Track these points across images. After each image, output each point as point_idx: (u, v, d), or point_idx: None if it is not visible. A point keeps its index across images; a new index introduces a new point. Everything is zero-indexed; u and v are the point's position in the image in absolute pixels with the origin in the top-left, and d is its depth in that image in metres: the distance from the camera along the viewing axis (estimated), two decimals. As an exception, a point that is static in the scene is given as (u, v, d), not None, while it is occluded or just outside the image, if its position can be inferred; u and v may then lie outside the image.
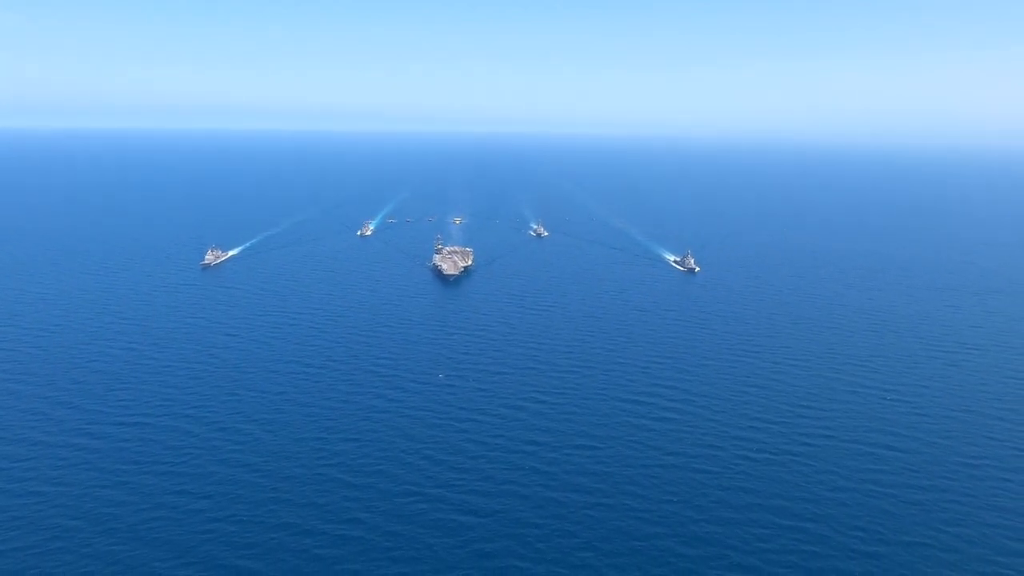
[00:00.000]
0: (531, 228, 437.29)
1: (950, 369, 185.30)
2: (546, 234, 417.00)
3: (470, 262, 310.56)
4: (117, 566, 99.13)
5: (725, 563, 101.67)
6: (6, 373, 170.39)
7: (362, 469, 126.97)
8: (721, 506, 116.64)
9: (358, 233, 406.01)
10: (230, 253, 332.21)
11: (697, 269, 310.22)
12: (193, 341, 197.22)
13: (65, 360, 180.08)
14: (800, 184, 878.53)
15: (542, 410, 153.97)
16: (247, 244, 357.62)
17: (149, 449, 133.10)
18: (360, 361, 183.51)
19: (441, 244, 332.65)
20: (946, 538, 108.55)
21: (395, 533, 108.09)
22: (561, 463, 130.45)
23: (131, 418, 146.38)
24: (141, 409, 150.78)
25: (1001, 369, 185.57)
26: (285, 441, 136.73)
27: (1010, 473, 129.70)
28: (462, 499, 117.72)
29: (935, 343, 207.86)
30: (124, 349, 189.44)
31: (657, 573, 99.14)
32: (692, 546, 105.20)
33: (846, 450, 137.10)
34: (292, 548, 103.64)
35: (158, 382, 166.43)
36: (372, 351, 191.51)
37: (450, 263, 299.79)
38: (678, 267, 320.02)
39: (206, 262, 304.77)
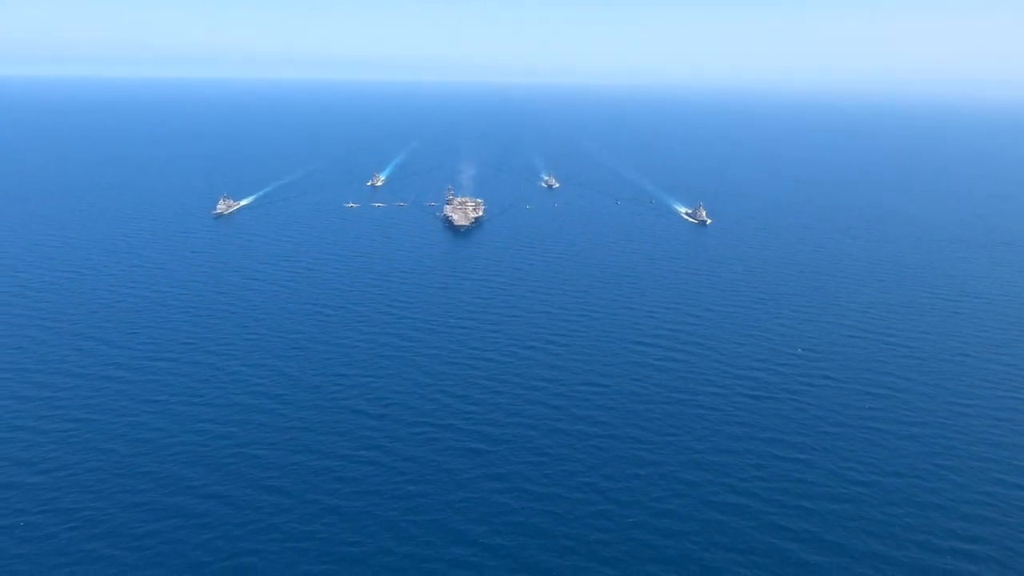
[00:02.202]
0: (542, 179, 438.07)
1: (952, 317, 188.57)
2: (557, 185, 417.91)
3: (481, 213, 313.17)
4: (152, 484, 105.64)
5: (722, 491, 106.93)
6: (39, 312, 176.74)
7: (379, 402, 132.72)
8: (721, 440, 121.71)
9: (368, 183, 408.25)
10: (242, 203, 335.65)
11: (709, 221, 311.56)
12: (212, 286, 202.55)
13: (92, 301, 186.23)
14: (815, 138, 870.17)
15: (552, 352, 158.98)
16: (258, 194, 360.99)
17: (178, 382, 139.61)
18: (375, 305, 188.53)
19: (452, 194, 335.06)
20: (934, 472, 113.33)
21: (411, 458, 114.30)
22: (569, 400, 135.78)
23: (159, 354, 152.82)
24: (167, 347, 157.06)
25: (1002, 318, 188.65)
26: (305, 377, 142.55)
27: (1001, 413, 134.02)
28: (474, 430, 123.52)
29: (938, 292, 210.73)
30: (146, 292, 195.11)
31: (657, 496, 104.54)
32: (692, 474, 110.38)
33: (843, 391, 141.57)
34: (315, 471, 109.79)
35: (182, 323, 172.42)
36: (386, 296, 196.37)
37: (461, 214, 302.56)
38: (690, 219, 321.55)
39: (218, 211, 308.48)
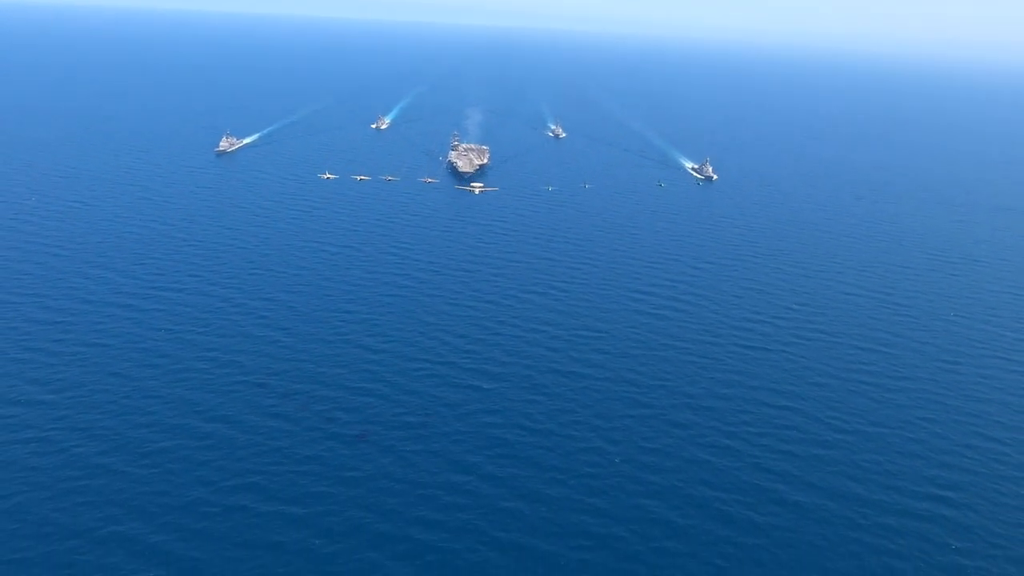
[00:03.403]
0: (549, 128, 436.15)
1: (948, 279, 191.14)
2: (564, 135, 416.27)
3: (486, 160, 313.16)
4: (160, 406, 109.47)
5: (710, 433, 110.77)
6: (48, 240, 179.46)
7: (381, 339, 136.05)
8: (712, 386, 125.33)
9: (373, 126, 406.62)
10: (245, 141, 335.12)
11: (715, 177, 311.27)
12: (215, 222, 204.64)
13: (98, 231, 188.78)
14: (828, 98, 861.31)
15: (552, 297, 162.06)
16: (262, 132, 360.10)
17: (184, 312, 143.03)
18: (378, 245, 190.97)
19: (458, 141, 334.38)
20: (917, 425, 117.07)
21: (412, 392, 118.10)
22: (567, 343, 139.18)
23: (166, 285, 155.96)
24: (174, 278, 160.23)
25: (999, 282, 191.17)
26: (307, 314, 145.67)
27: (987, 371, 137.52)
28: (474, 368, 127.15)
29: (937, 254, 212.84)
30: (150, 226, 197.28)
31: (647, 436, 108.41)
32: (680, 424, 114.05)
33: (834, 346, 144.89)
34: (317, 399, 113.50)
35: (188, 255, 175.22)
36: (389, 237, 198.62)
37: (465, 160, 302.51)
38: (695, 174, 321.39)
39: (221, 149, 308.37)
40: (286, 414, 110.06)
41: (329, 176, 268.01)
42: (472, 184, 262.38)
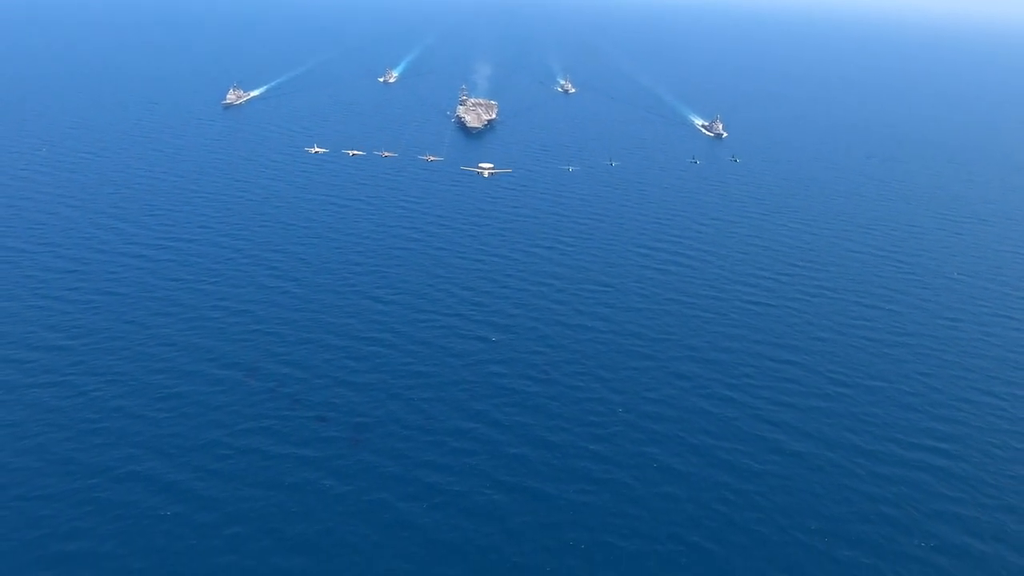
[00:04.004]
0: (558, 83, 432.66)
1: (953, 238, 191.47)
2: (573, 90, 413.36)
3: (494, 115, 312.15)
4: (174, 353, 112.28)
5: (713, 385, 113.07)
6: (59, 191, 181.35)
7: (390, 290, 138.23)
8: (716, 340, 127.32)
9: (381, 79, 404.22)
10: (252, 93, 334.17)
11: (724, 135, 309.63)
12: (224, 174, 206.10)
13: (109, 183, 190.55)
14: (846, 55, 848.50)
15: (559, 251, 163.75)
16: (269, 85, 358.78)
17: (196, 262, 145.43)
18: (388, 198, 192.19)
19: (466, 95, 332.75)
20: (916, 380, 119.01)
21: (420, 342, 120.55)
22: (574, 297, 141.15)
23: (177, 236, 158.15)
24: (185, 229, 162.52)
25: (1004, 241, 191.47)
26: (316, 266, 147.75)
27: (989, 328, 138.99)
28: (482, 320, 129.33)
29: (944, 213, 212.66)
30: (160, 178, 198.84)
31: (650, 387, 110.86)
32: (683, 375, 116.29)
33: (836, 302, 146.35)
34: (328, 348, 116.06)
35: (198, 207, 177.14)
36: (399, 192, 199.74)
37: (474, 115, 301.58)
38: (705, 132, 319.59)
39: (228, 101, 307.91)
40: (297, 362, 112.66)
41: (318, 150, 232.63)
42: (481, 165, 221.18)
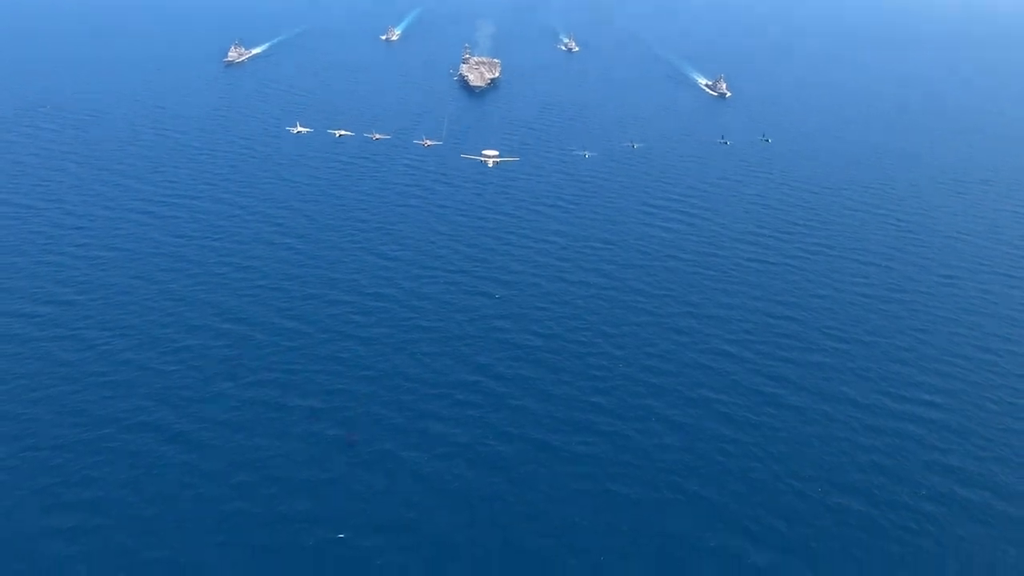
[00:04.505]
0: (561, 42, 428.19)
1: (952, 199, 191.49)
2: (577, 49, 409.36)
3: (497, 73, 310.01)
4: (182, 307, 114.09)
5: (712, 340, 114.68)
6: (64, 148, 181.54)
7: (394, 247, 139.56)
8: (716, 296, 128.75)
9: (383, 37, 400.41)
10: (254, 51, 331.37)
11: (728, 94, 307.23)
12: (227, 132, 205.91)
13: (112, 140, 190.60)
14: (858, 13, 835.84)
15: (562, 209, 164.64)
16: (272, 42, 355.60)
17: (202, 218, 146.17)
18: (391, 155, 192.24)
19: (469, 54, 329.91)
20: (912, 336, 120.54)
21: (424, 297, 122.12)
22: (577, 254, 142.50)
23: (182, 193, 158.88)
24: (189, 186, 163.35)
25: (1006, 201, 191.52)
26: (322, 222, 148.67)
27: (988, 286, 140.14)
28: (486, 276, 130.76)
29: (945, 176, 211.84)
30: (164, 135, 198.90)
31: (651, 341, 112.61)
32: (682, 332, 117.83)
33: (835, 260, 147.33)
34: (332, 303, 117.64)
35: (201, 164, 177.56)
36: (402, 149, 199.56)
37: (477, 74, 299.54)
38: (709, 91, 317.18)
39: (229, 59, 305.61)
40: (303, 316, 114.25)
41: (301, 130, 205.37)
42: (485, 153, 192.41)
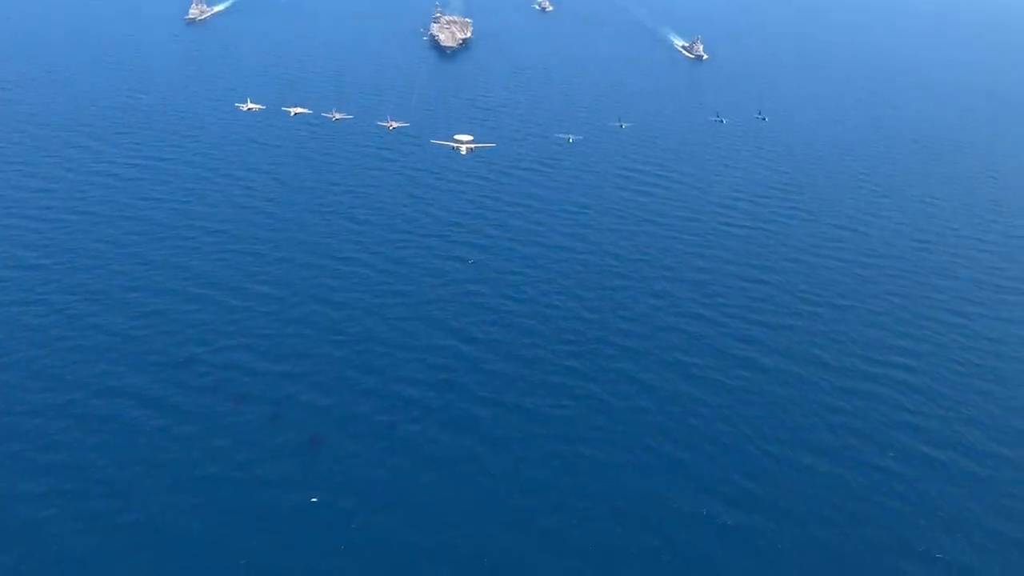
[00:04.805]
0: (535, 1, 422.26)
1: (929, 165, 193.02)
2: (551, 8, 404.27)
3: (469, 34, 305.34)
4: (151, 271, 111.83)
5: (685, 304, 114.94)
6: (23, 109, 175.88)
7: (366, 211, 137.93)
8: (691, 260, 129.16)
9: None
10: (216, 8, 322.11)
11: (705, 56, 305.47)
12: (192, 92, 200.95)
13: (74, 101, 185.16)
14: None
15: (538, 172, 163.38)
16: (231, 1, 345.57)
17: (164, 184, 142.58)
18: (362, 118, 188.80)
19: (440, 13, 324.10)
20: (885, 300, 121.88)
21: (398, 261, 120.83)
22: (552, 218, 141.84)
23: (149, 155, 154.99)
24: (157, 148, 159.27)
25: (980, 168, 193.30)
26: (293, 185, 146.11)
27: (960, 251, 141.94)
28: (456, 243, 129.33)
29: (928, 142, 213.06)
30: (126, 96, 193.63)
31: (624, 308, 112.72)
32: (657, 296, 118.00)
33: (811, 224, 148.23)
34: (302, 271, 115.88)
35: (168, 126, 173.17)
36: (370, 114, 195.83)
37: (448, 34, 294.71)
38: (685, 53, 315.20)
39: (191, 17, 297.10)
40: (275, 280, 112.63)
41: (252, 107, 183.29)
42: (457, 139, 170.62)
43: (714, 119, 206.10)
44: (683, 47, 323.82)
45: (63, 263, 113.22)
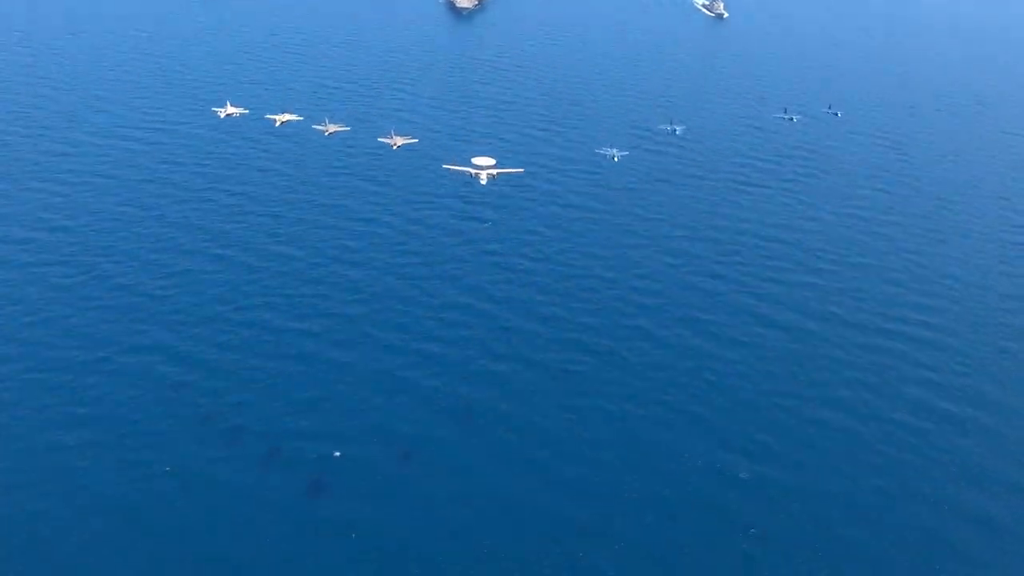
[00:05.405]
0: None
1: (952, 121, 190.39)
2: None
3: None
4: (175, 232, 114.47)
5: (699, 268, 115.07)
6: (37, 79, 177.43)
7: (384, 172, 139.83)
8: (710, 221, 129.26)
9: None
10: None
11: (726, 15, 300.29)
12: (211, 57, 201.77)
13: (90, 67, 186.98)
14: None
15: (554, 132, 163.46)
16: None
17: (185, 148, 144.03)
18: (377, 80, 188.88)
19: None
20: (901, 259, 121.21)
21: (415, 221, 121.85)
22: (568, 176, 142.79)
23: (163, 123, 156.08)
24: (174, 114, 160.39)
25: (1010, 127, 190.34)
26: (311, 147, 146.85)
27: (981, 210, 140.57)
28: (473, 204, 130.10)
29: (949, 99, 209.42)
30: (144, 60, 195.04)
31: (640, 266, 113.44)
32: (675, 253, 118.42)
33: (830, 184, 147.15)
34: (322, 232, 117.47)
35: (185, 91, 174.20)
36: (389, 76, 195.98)
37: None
38: (706, 11, 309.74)
39: None
40: (294, 240, 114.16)
41: (233, 111, 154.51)
42: (477, 163, 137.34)
43: (782, 117, 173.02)
44: (703, 5, 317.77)
45: (88, 225, 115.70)
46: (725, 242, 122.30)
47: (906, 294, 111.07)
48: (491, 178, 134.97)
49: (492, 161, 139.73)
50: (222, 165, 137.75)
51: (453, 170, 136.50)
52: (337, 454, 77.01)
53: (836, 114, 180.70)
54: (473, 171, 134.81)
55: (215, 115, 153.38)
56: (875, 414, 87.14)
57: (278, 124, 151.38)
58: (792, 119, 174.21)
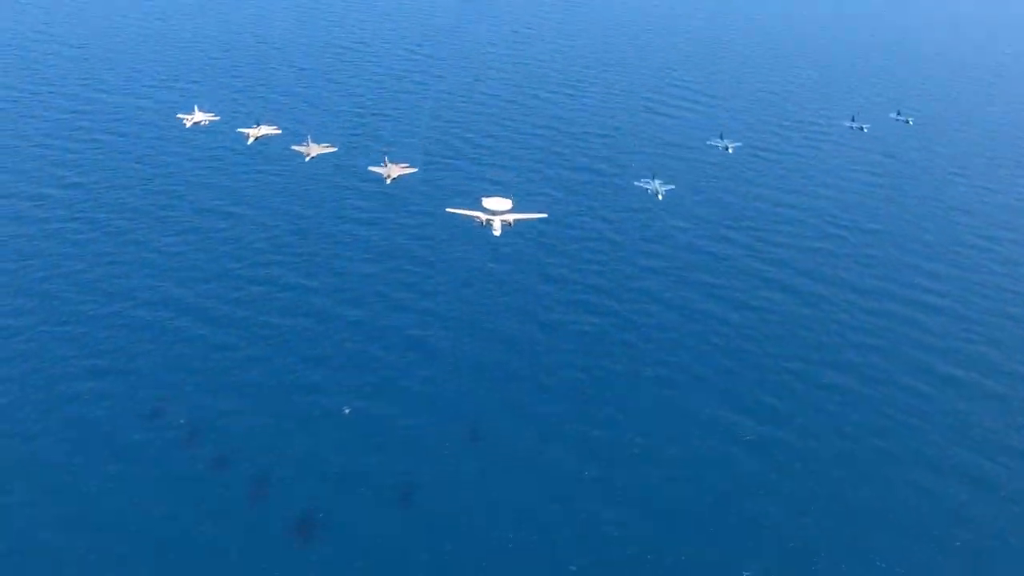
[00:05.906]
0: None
1: (967, 89, 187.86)
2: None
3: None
4: (177, 201, 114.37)
5: (711, 231, 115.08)
6: (49, 40, 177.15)
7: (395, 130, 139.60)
8: (723, 184, 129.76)
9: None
10: None
11: None
12: (214, 17, 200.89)
13: (100, 32, 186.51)
14: None
15: (566, 95, 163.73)
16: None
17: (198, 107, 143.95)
18: (388, 40, 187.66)
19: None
20: (913, 226, 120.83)
21: (425, 212, 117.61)
22: (582, 142, 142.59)
23: (175, 78, 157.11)
24: (184, 74, 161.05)
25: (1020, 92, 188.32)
26: (322, 107, 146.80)
27: (993, 182, 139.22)
28: (481, 167, 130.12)
29: (960, 67, 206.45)
30: (151, 24, 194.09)
31: (647, 228, 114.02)
32: (684, 216, 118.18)
33: (844, 153, 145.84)
34: (334, 192, 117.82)
35: (193, 56, 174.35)
36: (399, 33, 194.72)
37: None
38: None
39: None
40: (302, 215, 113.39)
41: (202, 118, 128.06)
42: (488, 207, 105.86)
43: (850, 125, 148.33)
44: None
45: (99, 182, 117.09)
46: (735, 206, 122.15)
47: (917, 260, 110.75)
48: (506, 226, 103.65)
49: (508, 204, 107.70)
50: (234, 122, 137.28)
51: (458, 214, 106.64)
52: (347, 410, 77.89)
53: (862, 128, 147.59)
54: (484, 217, 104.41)
55: (180, 122, 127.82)
56: (882, 378, 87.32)
57: (250, 141, 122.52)
58: (863, 128, 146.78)
